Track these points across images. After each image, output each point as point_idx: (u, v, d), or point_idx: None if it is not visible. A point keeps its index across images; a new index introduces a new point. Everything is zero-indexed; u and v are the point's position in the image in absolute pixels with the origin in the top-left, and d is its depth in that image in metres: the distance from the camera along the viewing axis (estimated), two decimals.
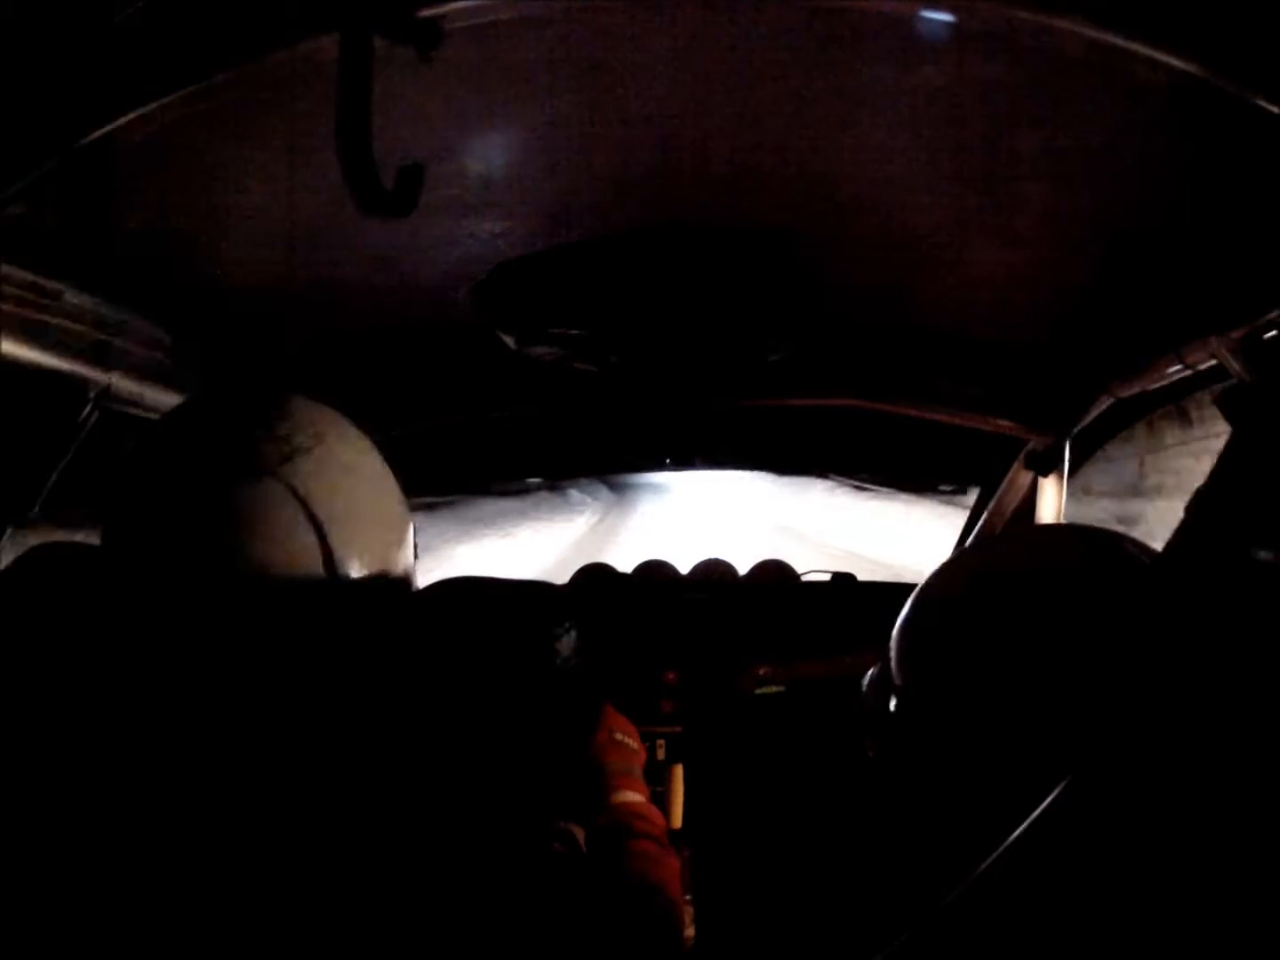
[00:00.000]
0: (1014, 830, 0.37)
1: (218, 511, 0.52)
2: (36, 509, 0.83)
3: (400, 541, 0.62)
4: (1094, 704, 0.41)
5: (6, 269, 0.70)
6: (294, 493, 0.53)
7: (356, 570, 0.56)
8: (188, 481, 0.53)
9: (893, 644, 0.55)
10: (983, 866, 0.37)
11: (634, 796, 0.75)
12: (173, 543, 0.52)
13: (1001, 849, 0.37)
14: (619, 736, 0.81)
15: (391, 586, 0.60)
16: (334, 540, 0.54)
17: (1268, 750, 0.36)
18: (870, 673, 0.61)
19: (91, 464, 0.84)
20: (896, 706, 0.53)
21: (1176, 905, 0.34)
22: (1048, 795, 0.37)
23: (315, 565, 0.53)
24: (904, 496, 11.18)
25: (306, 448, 0.55)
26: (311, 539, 0.53)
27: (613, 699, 0.85)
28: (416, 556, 0.67)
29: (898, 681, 0.53)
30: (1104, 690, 0.41)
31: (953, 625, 0.51)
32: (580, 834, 0.64)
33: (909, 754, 0.52)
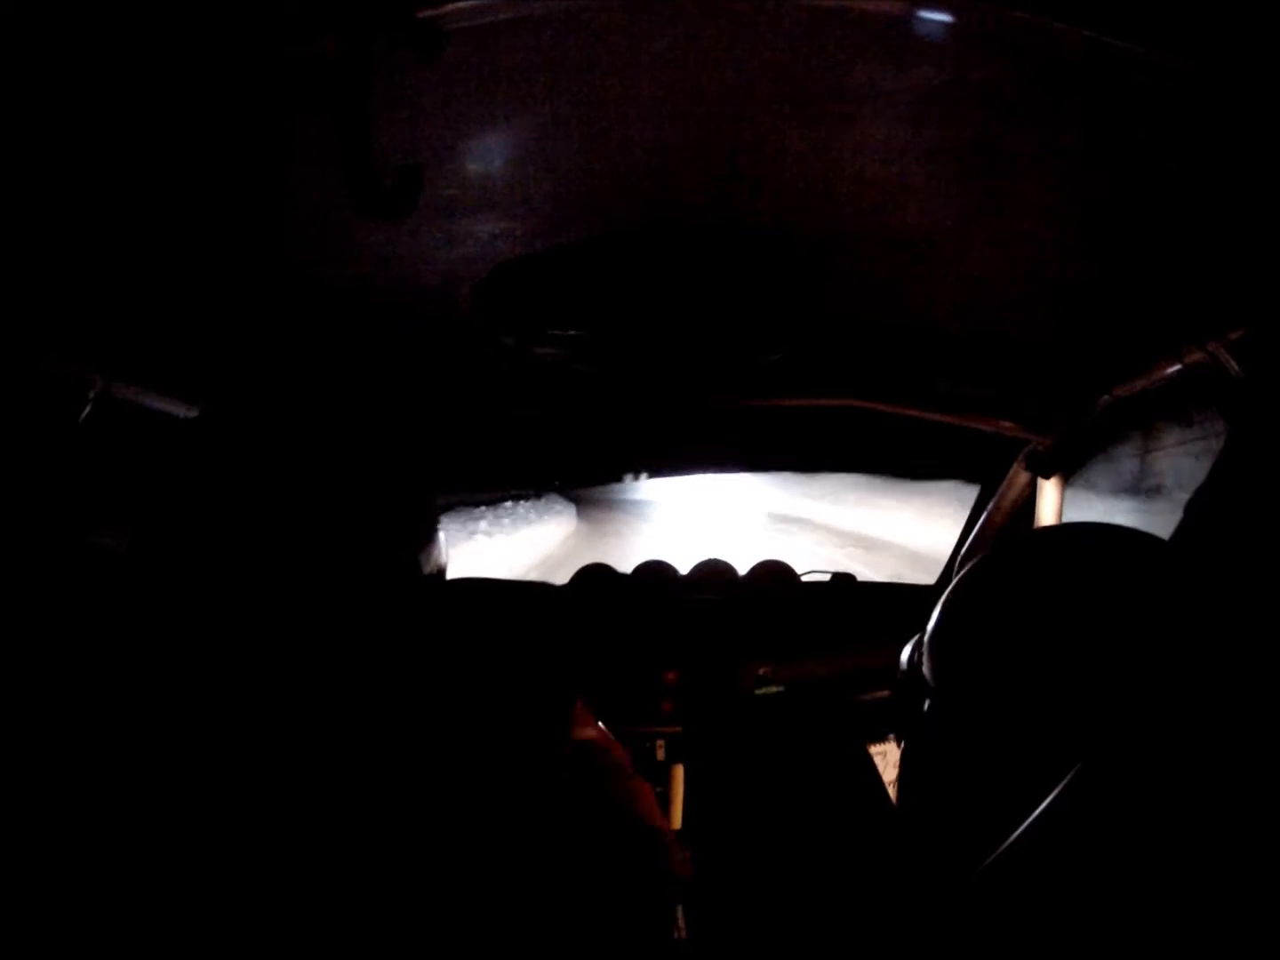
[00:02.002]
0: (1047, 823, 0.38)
1: (271, 510, 0.53)
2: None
3: (431, 539, 0.64)
4: (1132, 702, 0.41)
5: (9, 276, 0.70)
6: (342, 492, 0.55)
7: (397, 567, 0.58)
8: (232, 482, 0.54)
9: (925, 649, 0.55)
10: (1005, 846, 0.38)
11: (592, 732, 0.74)
12: (216, 539, 0.53)
13: (1021, 829, 0.38)
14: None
15: (426, 581, 0.62)
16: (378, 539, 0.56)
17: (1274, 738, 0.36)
18: (900, 673, 0.62)
19: (90, 465, 0.84)
20: (931, 708, 0.54)
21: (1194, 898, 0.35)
22: (1082, 792, 0.37)
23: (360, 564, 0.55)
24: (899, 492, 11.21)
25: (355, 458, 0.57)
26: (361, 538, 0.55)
27: (612, 699, 0.86)
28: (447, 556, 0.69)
29: (932, 684, 0.54)
30: (1142, 690, 0.41)
31: (988, 630, 0.51)
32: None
33: (943, 753, 0.53)
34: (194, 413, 1.04)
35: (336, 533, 0.55)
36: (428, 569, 0.62)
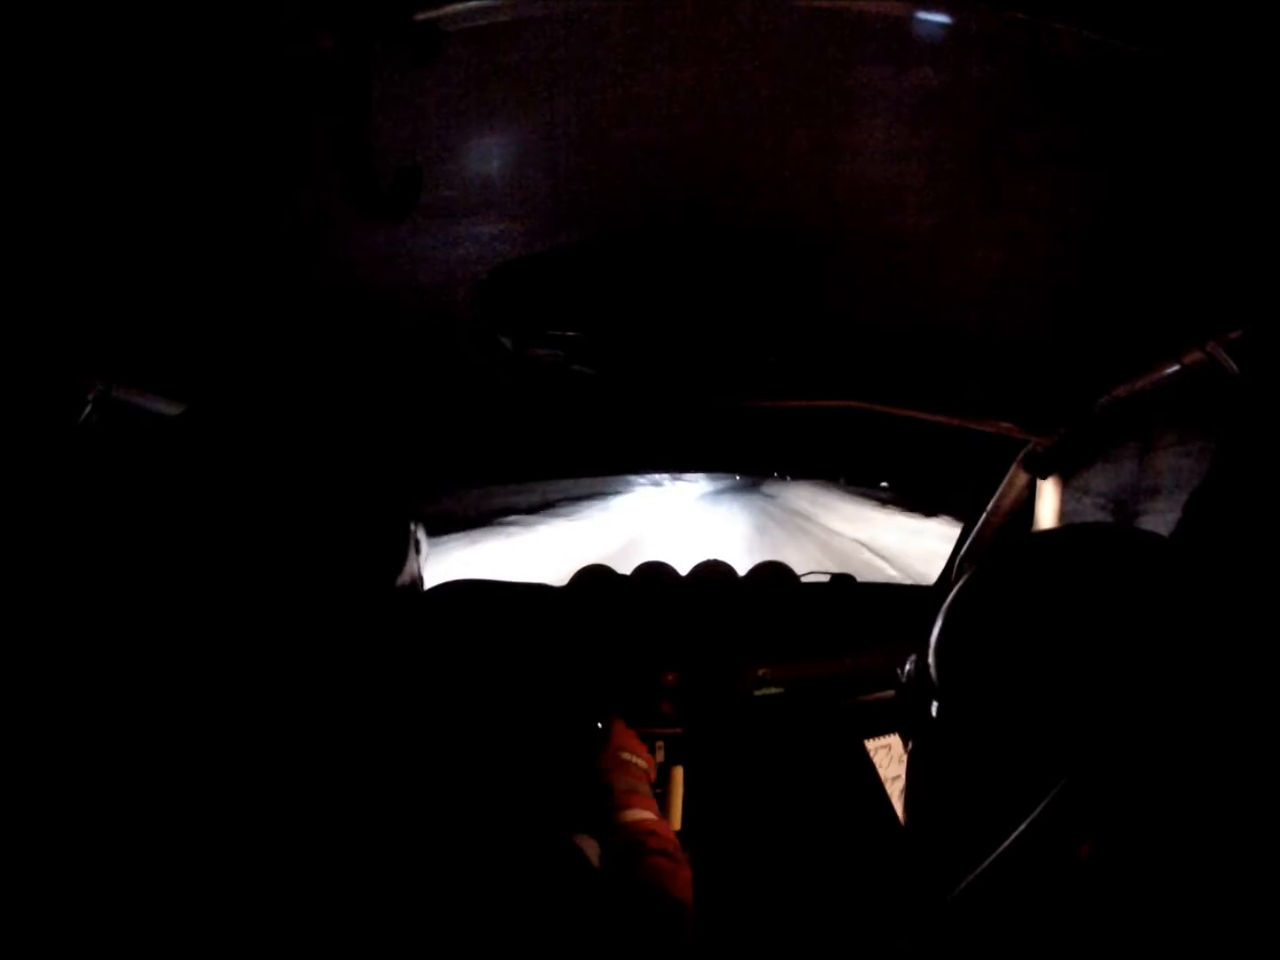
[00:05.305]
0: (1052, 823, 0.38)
1: (239, 515, 0.52)
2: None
3: (406, 545, 0.63)
4: (1140, 706, 0.41)
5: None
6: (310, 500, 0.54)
7: (368, 572, 0.57)
8: (201, 485, 0.53)
9: (931, 653, 0.55)
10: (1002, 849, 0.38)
11: (644, 814, 0.76)
12: (187, 547, 0.52)
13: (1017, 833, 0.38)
14: (625, 755, 0.82)
15: (401, 588, 0.61)
16: (347, 546, 0.55)
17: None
18: (907, 675, 0.62)
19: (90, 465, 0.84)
20: (939, 711, 0.54)
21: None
22: (1089, 795, 0.37)
23: (333, 570, 0.54)
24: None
25: (320, 463, 0.56)
26: (327, 544, 0.54)
27: (616, 703, 0.86)
28: (423, 559, 0.68)
29: (938, 687, 0.54)
30: (1151, 694, 0.41)
31: (993, 634, 0.51)
32: (593, 848, 0.65)
33: (951, 757, 0.53)
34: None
35: (308, 537, 0.54)
36: (402, 577, 0.61)
